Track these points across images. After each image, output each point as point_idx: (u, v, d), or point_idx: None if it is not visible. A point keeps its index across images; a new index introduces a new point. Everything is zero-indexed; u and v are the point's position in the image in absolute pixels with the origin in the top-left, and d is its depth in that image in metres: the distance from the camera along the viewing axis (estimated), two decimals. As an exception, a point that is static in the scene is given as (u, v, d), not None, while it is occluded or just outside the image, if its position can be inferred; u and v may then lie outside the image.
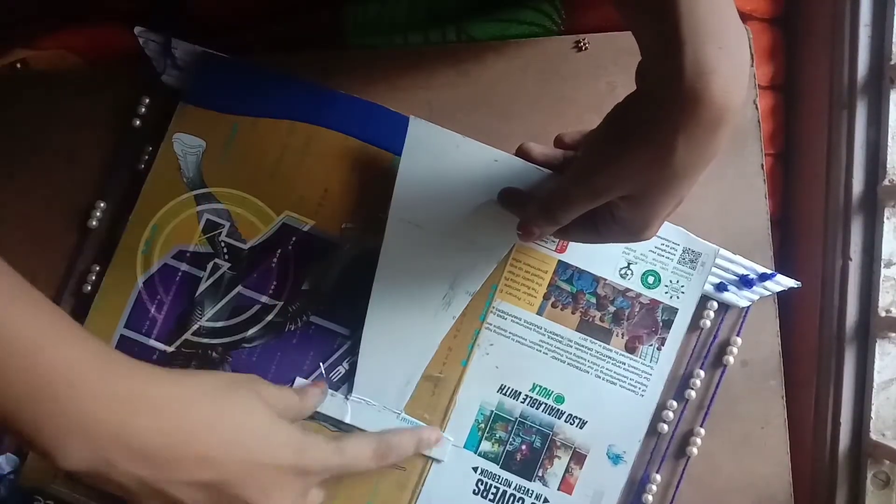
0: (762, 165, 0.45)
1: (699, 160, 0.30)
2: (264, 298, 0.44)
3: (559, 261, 0.44)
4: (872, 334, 0.44)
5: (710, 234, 0.44)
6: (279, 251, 0.44)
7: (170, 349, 0.43)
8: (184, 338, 0.43)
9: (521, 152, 0.42)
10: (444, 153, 0.41)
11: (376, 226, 0.42)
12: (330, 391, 0.43)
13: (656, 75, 0.29)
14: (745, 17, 0.47)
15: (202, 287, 0.44)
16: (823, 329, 0.45)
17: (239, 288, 0.44)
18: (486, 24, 0.46)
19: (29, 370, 0.30)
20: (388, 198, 0.42)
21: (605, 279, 0.44)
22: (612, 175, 0.32)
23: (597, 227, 0.35)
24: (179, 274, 0.44)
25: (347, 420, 0.43)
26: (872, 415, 0.43)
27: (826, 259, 0.45)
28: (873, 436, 0.43)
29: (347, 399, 0.43)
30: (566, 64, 0.46)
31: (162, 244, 0.44)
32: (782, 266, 0.46)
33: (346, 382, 0.43)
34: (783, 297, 0.45)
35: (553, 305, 0.44)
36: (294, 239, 0.44)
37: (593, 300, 0.44)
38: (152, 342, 0.43)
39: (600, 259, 0.44)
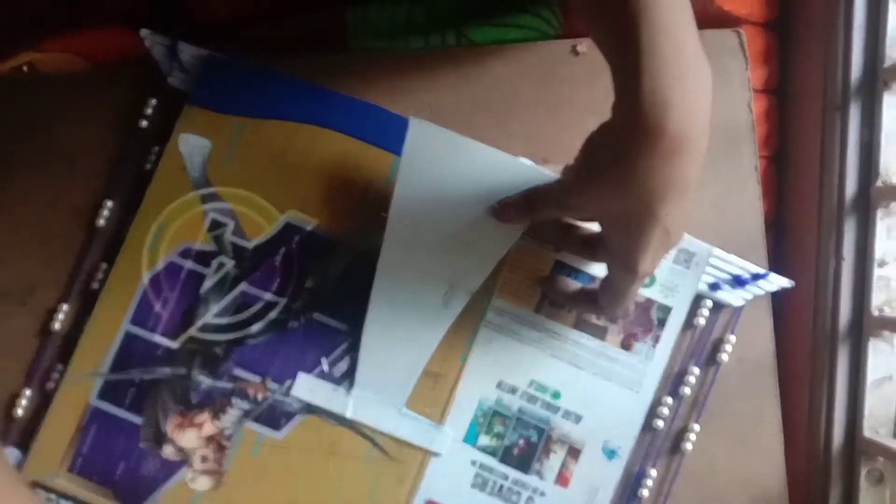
0: (756, 167, 0.46)
1: (665, 189, 0.31)
2: (268, 296, 0.45)
3: (556, 260, 0.45)
4: (866, 333, 0.44)
5: (705, 234, 0.45)
6: (283, 249, 0.45)
7: (175, 345, 0.44)
8: (188, 334, 0.44)
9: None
10: (445, 154, 0.41)
11: (378, 224, 0.43)
12: (332, 385, 0.44)
13: (618, 105, 0.30)
14: (739, 21, 0.47)
15: (207, 284, 0.45)
16: (817, 328, 0.46)
17: (243, 285, 0.45)
18: (486, 29, 0.47)
19: None
20: (389, 197, 0.42)
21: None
22: (582, 196, 0.34)
23: (594, 250, 0.39)
24: (184, 271, 0.45)
25: (349, 415, 0.44)
26: (866, 412, 0.44)
27: (820, 259, 0.46)
28: (867, 433, 0.43)
29: (349, 394, 0.44)
30: (564, 68, 0.47)
31: (168, 242, 0.45)
32: (776, 266, 0.47)
33: (349, 378, 0.44)
34: (777, 297, 0.46)
35: (551, 303, 0.45)
36: (297, 237, 0.45)
37: (590, 298, 0.45)
38: (157, 338, 0.44)
39: (597, 258, 0.45)
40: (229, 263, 0.45)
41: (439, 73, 0.47)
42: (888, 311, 0.44)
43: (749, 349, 0.46)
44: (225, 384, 0.44)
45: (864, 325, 0.44)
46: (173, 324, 0.44)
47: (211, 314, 0.44)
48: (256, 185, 0.45)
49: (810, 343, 0.46)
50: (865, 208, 0.45)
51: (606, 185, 0.32)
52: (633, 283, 0.36)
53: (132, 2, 0.47)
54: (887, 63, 0.43)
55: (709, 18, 0.46)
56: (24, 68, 0.48)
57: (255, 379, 0.44)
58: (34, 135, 0.46)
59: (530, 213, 0.39)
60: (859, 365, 0.44)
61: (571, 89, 0.47)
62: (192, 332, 0.44)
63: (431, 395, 0.44)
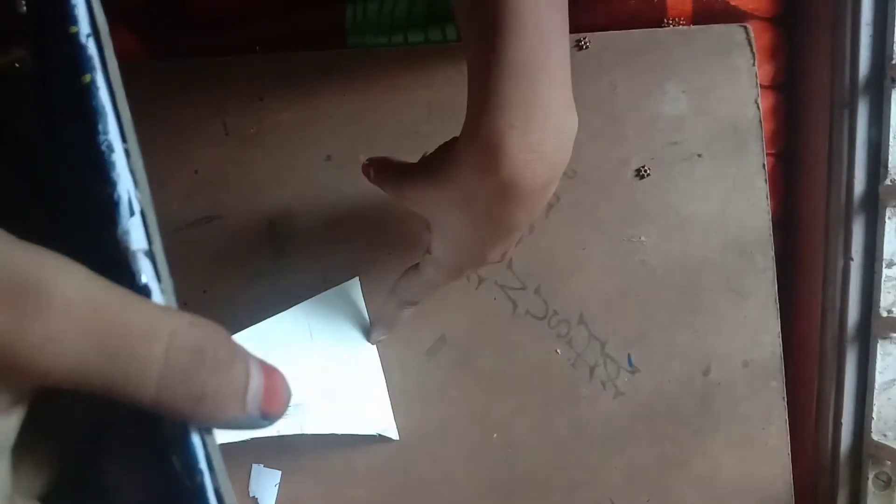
0: (763, 165, 0.45)
1: (486, 225, 0.31)
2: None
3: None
4: (874, 335, 0.43)
5: (711, 233, 0.44)
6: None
7: None
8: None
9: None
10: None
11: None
12: None
13: (465, 126, 0.29)
14: (746, 15, 0.46)
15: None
16: (825, 329, 0.45)
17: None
18: (487, 23, 0.46)
19: None
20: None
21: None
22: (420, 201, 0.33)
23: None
24: None
25: None
26: (874, 415, 0.43)
27: (827, 259, 0.45)
28: (875, 436, 0.43)
29: None
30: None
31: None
32: (783, 266, 0.46)
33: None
34: (784, 298, 0.45)
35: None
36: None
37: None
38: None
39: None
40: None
41: (439, 68, 0.46)
42: (897, 313, 0.43)
43: (755, 352, 0.45)
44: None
45: (872, 327, 0.44)
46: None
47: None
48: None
49: (818, 344, 0.46)
50: (874, 207, 0.44)
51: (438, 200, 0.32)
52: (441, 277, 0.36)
53: (131, -1, 0.46)
54: (895, 60, 0.43)
55: (715, 13, 0.46)
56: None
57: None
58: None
59: (403, 305, 0.39)
60: (867, 367, 0.44)
61: (575, 85, 0.45)
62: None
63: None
